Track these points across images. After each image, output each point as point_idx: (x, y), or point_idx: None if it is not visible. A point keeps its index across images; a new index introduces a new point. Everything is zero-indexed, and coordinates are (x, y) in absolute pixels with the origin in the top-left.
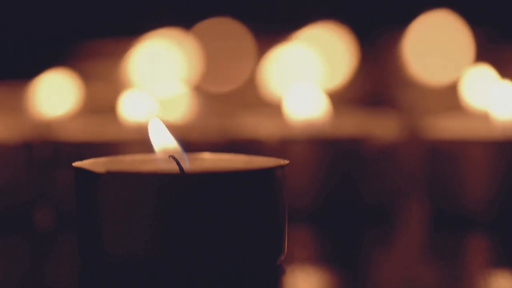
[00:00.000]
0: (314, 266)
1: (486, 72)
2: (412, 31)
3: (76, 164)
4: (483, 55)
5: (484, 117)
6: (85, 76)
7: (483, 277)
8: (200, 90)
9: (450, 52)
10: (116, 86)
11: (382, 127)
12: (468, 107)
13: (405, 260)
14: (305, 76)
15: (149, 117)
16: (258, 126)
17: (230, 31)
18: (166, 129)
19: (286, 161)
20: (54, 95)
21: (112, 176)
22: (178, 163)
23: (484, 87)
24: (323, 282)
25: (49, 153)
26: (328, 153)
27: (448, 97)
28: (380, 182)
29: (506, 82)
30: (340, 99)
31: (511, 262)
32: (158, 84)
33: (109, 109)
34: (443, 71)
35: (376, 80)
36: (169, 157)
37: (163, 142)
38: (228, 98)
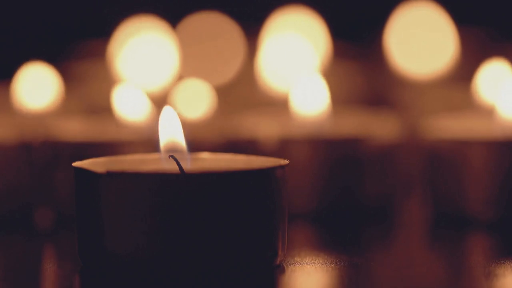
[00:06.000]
0: (314, 266)
1: (488, 71)
2: (395, 25)
3: (76, 164)
4: (484, 54)
5: (483, 117)
6: (84, 76)
7: (483, 277)
8: (198, 88)
9: (435, 43)
10: (115, 86)
11: (382, 127)
12: (468, 106)
13: (405, 260)
14: (304, 72)
15: (150, 115)
16: (258, 126)
17: (220, 27)
18: (178, 120)
19: (286, 161)
20: (50, 94)
21: (112, 176)
22: (178, 163)
23: (485, 85)
24: (323, 282)
25: (49, 153)
26: (328, 153)
27: (447, 96)
28: (380, 182)
29: (507, 80)
30: (340, 99)
31: (511, 262)
32: (155, 83)
33: (109, 109)
34: (431, 63)
35: (375, 80)
36: (169, 157)
37: (171, 133)
38: (227, 97)
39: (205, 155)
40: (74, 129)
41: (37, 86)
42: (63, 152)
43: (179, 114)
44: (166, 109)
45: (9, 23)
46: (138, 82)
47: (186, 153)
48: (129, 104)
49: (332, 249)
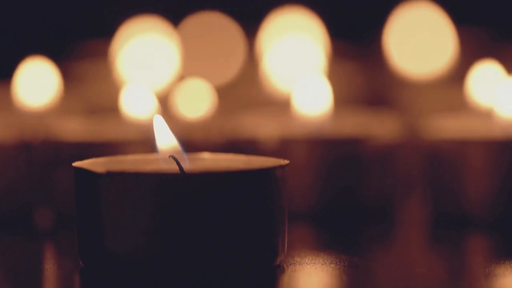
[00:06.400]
0: (314, 266)
1: (488, 71)
2: (395, 25)
3: (76, 164)
4: (484, 53)
5: (483, 117)
6: (85, 76)
7: (483, 277)
8: (198, 88)
9: (435, 43)
10: (116, 85)
11: (382, 127)
12: (468, 106)
13: (405, 260)
14: (304, 72)
15: (151, 115)
16: (258, 126)
17: (219, 26)
18: (168, 128)
19: (286, 161)
20: (51, 94)
21: (112, 176)
22: (178, 163)
23: (485, 85)
24: (323, 282)
25: (49, 153)
26: (328, 153)
27: (446, 96)
28: (380, 182)
29: (507, 80)
30: (340, 99)
31: (511, 262)
32: (156, 82)
33: (109, 108)
34: (430, 63)
35: (375, 80)
36: (169, 157)
37: (165, 140)
38: (227, 97)
39: (205, 155)
40: (75, 129)
41: (38, 86)
42: (63, 152)
43: (171, 119)
44: (156, 118)
45: (11, 22)
46: (139, 82)
47: (183, 155)
48: (136, 103)
49: (332, 249)
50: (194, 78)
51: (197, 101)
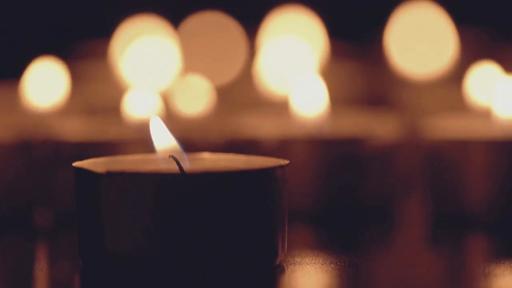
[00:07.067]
0: (314, 266)
1: (487, 71)
2: (395, 25)
3: (76, 164)
4: (484, 53)
5: (483, 117)
6: (85, 76)
7: (483, 277)
8: (199, 88)
9: (435, 43)
10: (116, 86)
11: (382, 127)
12: (468, 106)
13: (405, 260)
14: (304, 72)
15: (150, 116)
16: (258, 126)
17: (220, 26)
18: (166, 128)
19: (286, 161)
20: (51, 94)
21: (112, 176)
22: (178, 163)
23: (485, 85)
24: (323, 282)
25: (49, 153)
26: (328, 153)
27: (447, 96)
28: (380, 182)
29: (507, 80)
30: (340, 99)
31: (511, 262)
32: (156, 82)
33: (109, 108)
34: (430, 63)
35: (375, 80)
36: (169, 157)
37: (163, 140)
38: (227, 97)
39: (205, 155)
40: (75, 128)
41: (38, 86)
42: (63, 152)
43: (172, 119)
44: (153, 119)
45: (11, 22)
46: (141, 82)
47: (183, 155)
48: (138, 104)
49: (332, 249)
50: (194, 78)
51: (197, 101)
